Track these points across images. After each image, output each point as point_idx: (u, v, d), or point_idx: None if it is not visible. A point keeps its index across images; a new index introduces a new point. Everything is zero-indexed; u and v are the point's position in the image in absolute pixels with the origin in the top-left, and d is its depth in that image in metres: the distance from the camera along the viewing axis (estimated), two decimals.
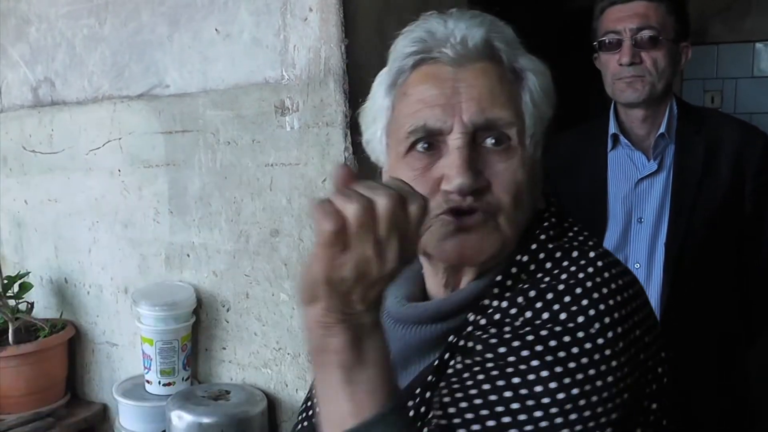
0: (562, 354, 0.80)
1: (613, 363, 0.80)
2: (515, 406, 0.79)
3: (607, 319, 0.82)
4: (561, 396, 0.78)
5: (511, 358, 0.81)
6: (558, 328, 0.81)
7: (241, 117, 1.85)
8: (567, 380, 0.78)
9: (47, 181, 2.30)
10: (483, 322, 0.87)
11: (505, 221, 0.89)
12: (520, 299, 0.86)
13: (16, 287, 2.17)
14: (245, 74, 1.83)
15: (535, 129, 0.92)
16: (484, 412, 0.79)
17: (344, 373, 0.73)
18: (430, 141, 0.90)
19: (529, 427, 0.77)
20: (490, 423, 0.79)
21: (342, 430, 0.73)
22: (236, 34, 1.84)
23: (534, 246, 0.91)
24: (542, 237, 0.92)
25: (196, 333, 2.01)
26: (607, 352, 0.80)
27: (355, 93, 1.67)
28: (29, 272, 2.24)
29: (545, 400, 0.78)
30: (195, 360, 2.03)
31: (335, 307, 0.71)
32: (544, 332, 0.81)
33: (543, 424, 0.77)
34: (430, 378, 0.89)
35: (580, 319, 0.81)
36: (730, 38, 3.41)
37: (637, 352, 0.84)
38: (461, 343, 0.89)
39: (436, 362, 0.90)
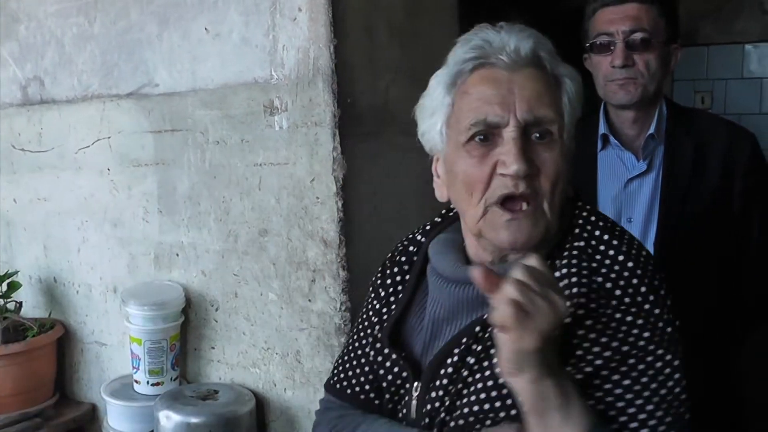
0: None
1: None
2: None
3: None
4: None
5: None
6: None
7: (230, 116, 1.84)
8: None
9: (36, 179, 2.30)
10: None
11: (548, 206, 1.05)
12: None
13: (4, 286, 2.16)
14: (234, 74, 1.83)
15: (570, 126, 1.08)
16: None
17: (562, 411, 0.92)
18: (487, 133, 1.04)
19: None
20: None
21: None
22: (225, 33, 1.84)
23: (581, 222, 1.10)
24: (584, 214, 1.11)
25: (184, 333, 2.00)
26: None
27: (344, 93, 1.66)
28: (18, 271, 2.23)
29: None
30: (184, 360, 2.02)
31: (543, 367, 0.89)
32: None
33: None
34: (477, 329, 1.06)
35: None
36: (721, 40, 3.42)
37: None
38: None
39: (485, 316, 1.04)
